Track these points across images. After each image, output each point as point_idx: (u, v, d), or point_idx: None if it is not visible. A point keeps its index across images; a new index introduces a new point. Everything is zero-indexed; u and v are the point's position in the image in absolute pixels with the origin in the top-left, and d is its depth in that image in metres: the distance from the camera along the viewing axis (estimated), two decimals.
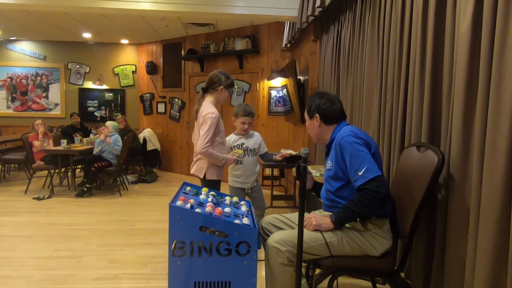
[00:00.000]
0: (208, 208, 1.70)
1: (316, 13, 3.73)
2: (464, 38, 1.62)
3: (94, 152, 5.60)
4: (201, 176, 2.71)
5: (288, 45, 5.50)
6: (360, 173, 1.70)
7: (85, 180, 5.77)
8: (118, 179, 6.07)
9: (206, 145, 2.54)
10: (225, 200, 2.00)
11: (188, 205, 1.67)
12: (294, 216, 2.08)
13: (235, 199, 2.07)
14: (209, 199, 1.88)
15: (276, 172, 5.44)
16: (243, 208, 1.94)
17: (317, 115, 1.96)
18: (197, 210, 1.64)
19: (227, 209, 1.75)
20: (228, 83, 2.74)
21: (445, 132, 1.83)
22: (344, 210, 1.75)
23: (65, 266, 3.07)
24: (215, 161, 2.62)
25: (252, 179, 3.09)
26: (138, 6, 4.34)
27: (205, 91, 2.77)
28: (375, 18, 2.69)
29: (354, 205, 1.71)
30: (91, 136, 6.66)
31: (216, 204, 1.86)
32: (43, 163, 5.74)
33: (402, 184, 1.89)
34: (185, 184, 2.12)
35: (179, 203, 1.65)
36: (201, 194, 2.00)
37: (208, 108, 2.64)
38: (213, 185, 2.63)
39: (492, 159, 1.42)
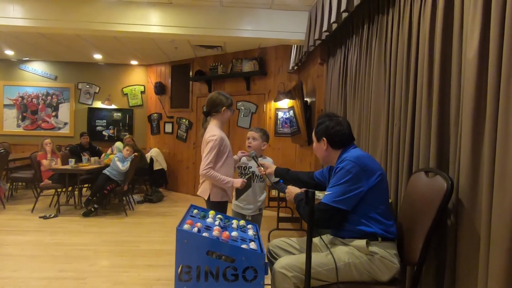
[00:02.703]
0: (215, 232, 1.69)
1: (323, 37, 3.79)
2: (471, 64, 1.64)
3: (124, 169, 5.63)
4: (206, 198, 2.71)
5: (295, 67, 5.57)
6: (327, 192, 1.82)
7: (90, 198, 5.78)
8: (124, 198, 6.07)
9: (207, 167, 2.58)
10: (232, 223, 1.99)
11: (195, 229, 1.66)
12: (302, 240, 2.06)
13: (242, 222, 2.06)
14: (216, 223, 1.87)
15: (282, 194, 5.40)
16: (250, 232, 1.92)
17: (324, 139, 1.96)
18: (204, 234, 1.63)
19: (234, 233, 1.74)
20: (229, 103, 2.79)
21: (453, 157, 1.82)
22: (299, 201, 1.90)
23: (69, 287, 3.04)
24: (219, 183, 2.63)
25: (254, 207, 2.91)
26: (149, 29, 4.45)
27: (208, 114, 2.81)
28: (381, 43, 2.72)
29: (303, 207, 1.83)
30: (103, 155, 6.71)
31: (223, 227, 1.85)
32: (50, 181, 5.77)
33: (411, 209, 1.87)
34: (192, 206, 2.12)
35: (186, 226, 1.65)
36: (208, 217, 2.00)
37: (210, 131, 2.69)
38: (218, 206, 2.64)
39: (502, 184, 1.41)
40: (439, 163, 1.90)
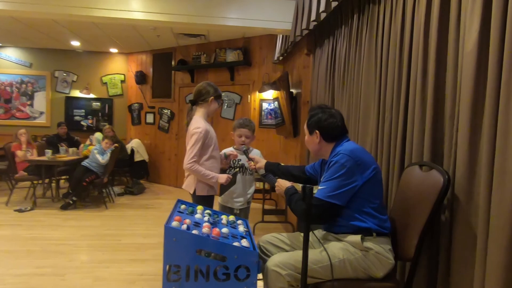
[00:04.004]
0: (205, 229, 1.61)
1: (311, 27, 3.71)
2: (469, 56, 1.60)
3: (103, 161, 5.44)
4: (191, 192, 2.63)
5: (281, 58, 5.48)
6: (320, 187, 1.77)
7: (70, 191, 5.59)
8: (104, 190, 5.90)
9: (191, 161, 2.49)
10: (222, 219, 1.91)
11: (184, 226, 1.58)
12: (293, 236, 2.01)
13: (231, 217, 1.99)
14: (205, 219, 1.79)
15: (267, 186, 5.36)
16: (241, 228, 1.85)
17: (317, 131, 1.90)
18: (194, 231, 1.55)
19: (224, 230, 1.66)
20: (217, 94, 2.70)
21: (448, 151, 1.79)
22: (291, 195, 1.85)
23: (47, 284, 2.92)
24: (203, 178, 2.55)
25: (242, 200, 2.87)
26: (130, 15, 4.26)
27: (194, 103, 2.71)
28: (372, 33, 2.67)
29: (295, 202, 1.80)
30: (82, 146, 6.49)
31: (213, 224, 1.78)
32: (26, 173, 5.55)
33: (405, 204, 1.84)
34: (180, 202, 2.03)
35: (174, 223, 1.56)
36: (196, 213, 1.91)
37: (195, 123, 2.59)
38: (204, 201, 2.55)
39: (502, 180, 1.38)
40: (433, 157, 1.87)
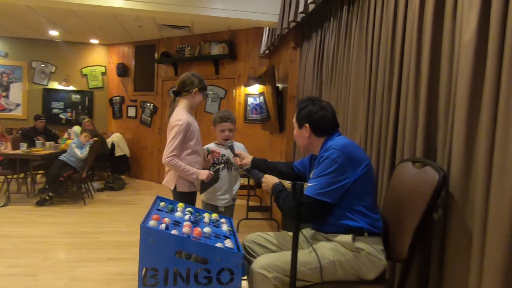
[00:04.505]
0: (185, 229, 1.48)
1: (299, 19, 3.60)
2: (467, 47, 1.51)
3: (82, 156, 5.21)
4: (172, 188, 2.50)
5: (267, 51, 5.37)
6: (309, 184, 1.67)
7: (47, 186, 5.36)
8: (82, 186, 5.70)
9: (170, 155, 2.36)
10: (204, 217, 1.79)
11: (163, 225, 1.45)
12: (280, 235, 1.90)
13: (214, 216, 1.87)
14: (186, 217, 1.67)
15: (252, 182, 5.25)
16: (224, 228, 1.73)
17: (307, 125, 1.79)
18: (173, 231, 1.42)
19: (206, 229, 1.55)
20: (202, 86, 2.56)
21: (442, 147, 1.71)
22: (278, 192, 1.75)
23: (18, 285, 2.75)
24: (183, 173, 2.41)
25: (228, 197, 2.74)
26: (110, 3, 4.07)
27: (177, 94, 2.58)
28: (363, 26, 2.58)
29: (283, 200, 1.70)
30: (60, 140, 6.26)
31: (194, 223, 1.65)
32: None
33: (396, 202, 1.75)
34: (159, 198, 1.89)
35: (152, 223, 1.43)
36: (176, 211, 1.78)
37: (177, 115, 2.46)
38: (185, 198, 2.43)
39: (501, 178, 1.30)
40: (426, 154, 1.79)
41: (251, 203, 4.76)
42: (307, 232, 1.84)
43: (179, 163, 2.38)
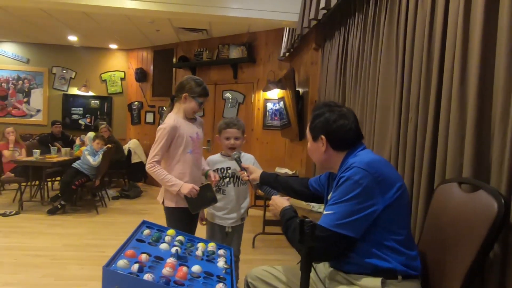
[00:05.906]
0: (166, 270, 1.17)
1: (320, 16, 3.27)
2: None
3: (95, 163, 5.05)
4: (160, 202, 2.25)
5: (287, 54, 5.05)
6: (326, 212, 1.33)
7: (59, 195, 5.22)
8: (97, 194, 5.52)
9: (151, 161, 2.11)
10: (197, 248, 1.48)
11: (135, 266, 1.15)
12: (291, 270, 1.57)
13: (211, 246, 1.54)
14: (173, 250, 1.36)
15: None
16: (221, 263, 1.40)
17: (323, 136, 1.44)
18: (147, 276, 1.11)
19: (195, 268, 1.23)
20: (194, 91, 2.22)
21: (498, 165, 1.34)
22: (287, 220, 1.48)
23: None
24: (163, 183, 2.13)
25: (236, 216, 2.37)
26: (122, 4, 3.88)
27: (172, 98, 2.33)
28: (393, 19, 2.22)
29: (292, 231, 1.39)
30: (74, 146, 6.15)
31: (182, 258, 1.34)
32: (13, 175, 5.20)
33: (439, 235, 1.39)
34: (145, 224, 1.59)
35: (121, 263, 1.14)
36: (163, 241, 1.47)
37: (165, 119, 2.24)
38: (174, 216, 2.17)
39: None
40: (476, 173, 1.42)
41: (268, 215, 4.43)
42: (324, 268, 1.49)
43: (161, 171, 2.09)
